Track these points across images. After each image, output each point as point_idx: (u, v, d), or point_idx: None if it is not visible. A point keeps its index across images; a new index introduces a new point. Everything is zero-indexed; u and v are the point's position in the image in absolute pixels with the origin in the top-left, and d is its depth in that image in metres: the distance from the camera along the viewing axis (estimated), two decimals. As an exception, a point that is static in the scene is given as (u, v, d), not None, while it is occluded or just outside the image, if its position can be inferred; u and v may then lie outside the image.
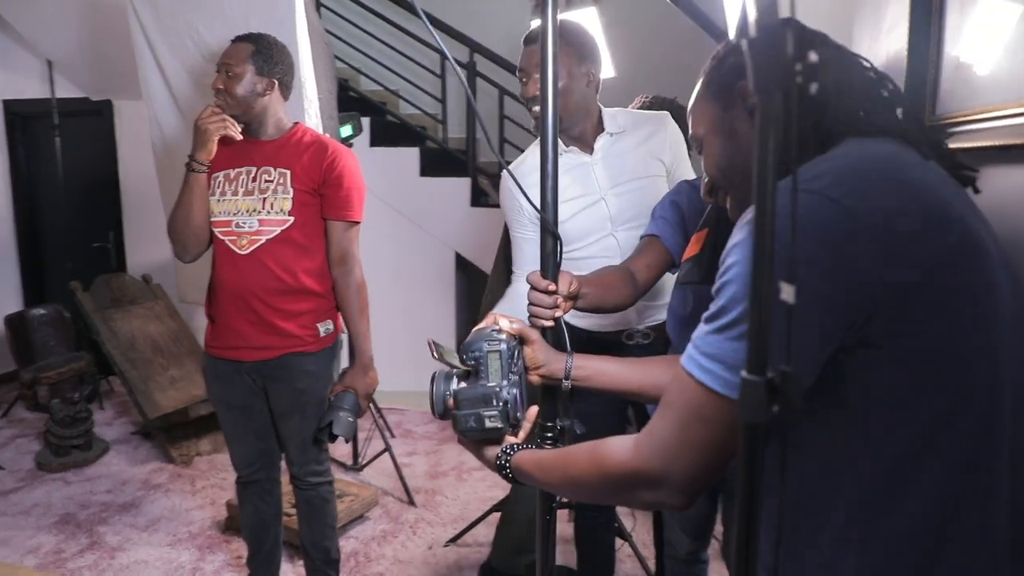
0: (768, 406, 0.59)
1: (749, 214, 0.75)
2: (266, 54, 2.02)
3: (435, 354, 1.49)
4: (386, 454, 3.36)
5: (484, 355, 1.05)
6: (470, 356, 1.06)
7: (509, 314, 2.00)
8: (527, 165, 1.94)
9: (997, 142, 1.01)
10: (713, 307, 0.76)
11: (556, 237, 1.22)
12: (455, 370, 1.09)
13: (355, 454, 3.43)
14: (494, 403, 1.01)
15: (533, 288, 1.22)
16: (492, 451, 1.03)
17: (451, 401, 1.04)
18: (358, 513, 2.91)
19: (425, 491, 3.21)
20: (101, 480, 3.33)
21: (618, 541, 2.38)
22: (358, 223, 2.11)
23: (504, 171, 2.01)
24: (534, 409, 1.10)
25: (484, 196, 4.47)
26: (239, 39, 2.03)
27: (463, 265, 4.47)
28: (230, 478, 3.32)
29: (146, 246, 4.88)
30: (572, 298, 1.31)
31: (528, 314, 1.22)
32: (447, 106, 4.70)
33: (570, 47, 1.75)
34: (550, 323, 1.21)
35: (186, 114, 2.69)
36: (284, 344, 2.03)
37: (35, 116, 4.73)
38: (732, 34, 1.44)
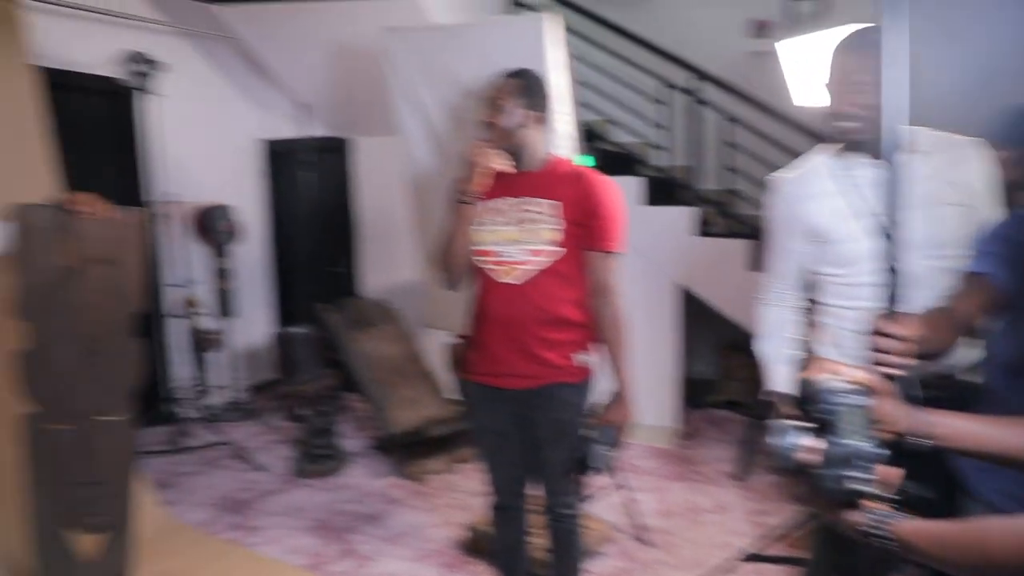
0: None
1: None
2: (532, 89, 2.07)
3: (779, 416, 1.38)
4: (610, 487, 3.30)
5: (841, 409, 0.95)
6: (820, 409, 0.97)
7: (778, 344, 1.88)
8: (808, 174, 1.82)
9: None
10: None
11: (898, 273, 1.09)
12: (801, 423, 1.00)
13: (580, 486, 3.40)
14: (860, 464, 0.91)
15: (880, 333, 1.10)
16: (856, 516, 0.93)
17: (804, 457, 0.95)
18: (592, 548, 2.87)
19: (657, 530, 3.10)
20: (347, 490, 3.57)
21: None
22: (618, 253, 2.09)
23: (776, 179, 1.90)
24: (893, 471, 0.98)
25: (709, 226, 4.33)
26: (508, 74, 2.09)
27: (686, 298, 4.34)
28: (462, 499, 3.44)
29: (378, 272, 5.26)
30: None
31: (873, 362, 1.11)
32: (668, 133, 4.62)
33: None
34: (899, 372, 1.09)
35: (443, 148, 2.84)
36: (547, 374, 2.04)
37: (285, 153, 5.26)
38: None
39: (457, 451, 3.85)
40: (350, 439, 4.23)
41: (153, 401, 4.24)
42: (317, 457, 3.76)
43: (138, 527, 2.61)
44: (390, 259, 5.16)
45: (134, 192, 4.11)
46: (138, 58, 3.78)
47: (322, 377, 3.86)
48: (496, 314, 2.05)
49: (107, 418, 2.49)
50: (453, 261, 2.10)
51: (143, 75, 3.81)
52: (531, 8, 4.62)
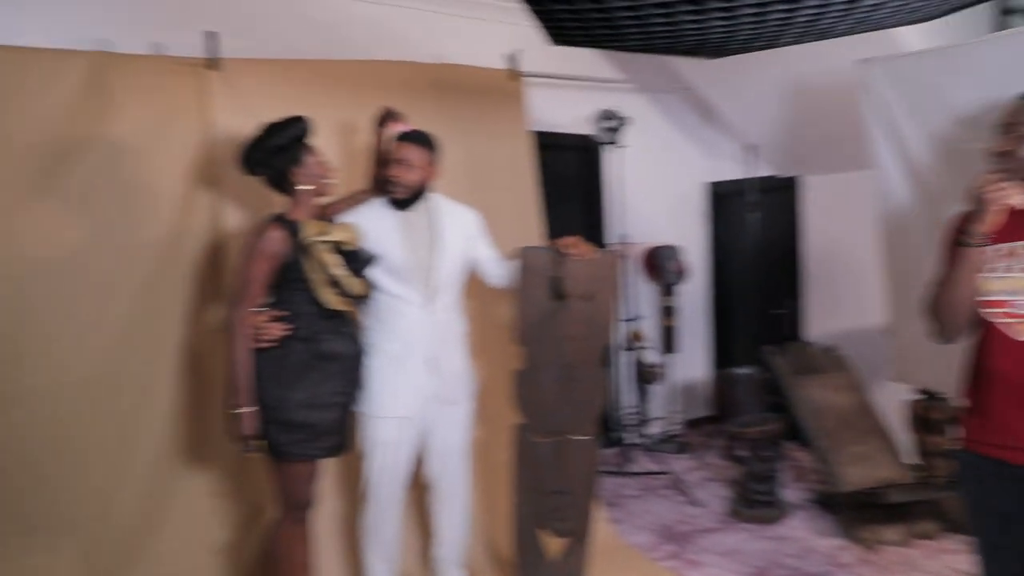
0: None
1: None
2: (1064, 111, 1.74)
3: None
4: None
5: None
6: None
7: None
8: None
9: None
10: None
11: None
12: None
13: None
14: None
15: None
16: None
17: None
18: None
19: None
20: (788, 542, 3.41)
21: None
22: None
23: None
24: None
25: None
26: (1028, 97, 1.80)
27: None
28: (928, 582, 3.03)
29: (825, 316, 4.95)
30: None
31: None
32: None
33: None
34: None
35: (926, 183, 2.56)
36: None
37: (729, 194, 5.32)
38: None
39: (918, 523, 3.39)
40: (788, 488, 4.04)
41: (604, 425, 4.63)
42: (755, 502, 3.67)
43: (593, 539, 2.86)
44: (838, 302, 4.83)
45: (597, 234, 4.59)
46: (608, 115, 4.23)
47: (766, 421, 3.77)
48: (1008, 376, 1.75)
49: (577, 437, 2.80)
50: (952, 311, 1.85)
51: (612, 130, 4.24)
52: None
